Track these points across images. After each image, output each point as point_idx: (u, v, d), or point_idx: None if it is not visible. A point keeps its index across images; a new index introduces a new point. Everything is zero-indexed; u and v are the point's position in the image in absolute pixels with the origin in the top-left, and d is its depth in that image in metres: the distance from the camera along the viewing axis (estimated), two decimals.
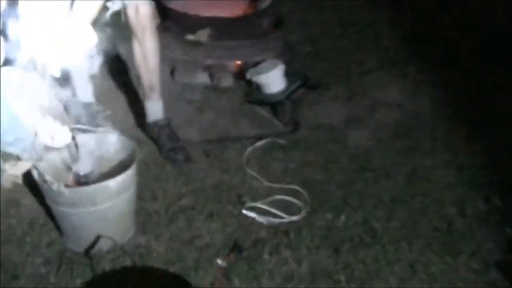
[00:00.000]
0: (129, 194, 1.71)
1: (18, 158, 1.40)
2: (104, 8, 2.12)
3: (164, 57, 2.63)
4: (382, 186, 2.09)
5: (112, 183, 1.62)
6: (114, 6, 2.20)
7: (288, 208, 1.96)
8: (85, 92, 2.35)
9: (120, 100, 2.49)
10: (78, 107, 2.31)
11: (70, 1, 1.91)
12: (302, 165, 2.19)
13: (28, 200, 1.89)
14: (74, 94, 2.32)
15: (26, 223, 1.81)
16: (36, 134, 1.38)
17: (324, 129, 2.41)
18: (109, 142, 1.81)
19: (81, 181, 1.71)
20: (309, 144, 2.32)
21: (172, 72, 2.71)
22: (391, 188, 2.08)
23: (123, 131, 2.26)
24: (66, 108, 2.22)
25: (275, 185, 2.06)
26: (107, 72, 2.58)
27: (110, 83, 2.59)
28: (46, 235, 1.78)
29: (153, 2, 2.21)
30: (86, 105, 2.34)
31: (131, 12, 2.14)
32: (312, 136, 2.37)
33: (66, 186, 1.64)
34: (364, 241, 1.84)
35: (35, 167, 1.54)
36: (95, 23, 2.00)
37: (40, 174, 1.57)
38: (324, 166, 2.19)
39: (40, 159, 1.41)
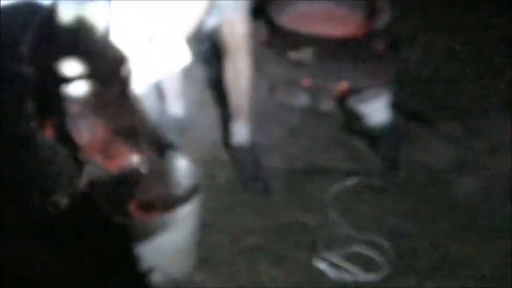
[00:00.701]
0: (188, 228, 1.59)
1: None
2: (201, 23, 2.04)
3: (264, 74, 2.53)
4: (485, 253, 1.78)
5: (168, 217, 1.51)
6: (210, 21, 2.11)
7: (367, 264, 1.73)
8: (176, 107, 2.29)
9: (212, 116, 2.39)
10: (168, 122, 2.26)
11: (165, 16, 1.86)
12: (393, 212, 1.95)
13: None
14: (164, 108, 2.27)
15: None
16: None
17: (427, 173, 2.13)
18: (178, 168, 1.70)
19: (143, 208, 1.62)
20: (406, 188, 2.05)
21: (271, 90, 2.56)
22: (496, 257, 1.77)
23: (207, 150, 2.18)
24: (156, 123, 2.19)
25: (357, 234, 1.83)
26: (204, 84, 2.50)
27: (205, 97, 2.51)
28: None
29: (250, 20, 2.08)
30: (176, 120, 2.28)
31: (226, 29, 2.04)
32: (411, 179, 2.10)
33: (126, 212, 1.56)
34: None
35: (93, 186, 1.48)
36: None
37: (95, 197, 1.50)
38: (419, 218, 1.92)
39: (69, 195, 1.32)
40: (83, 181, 1.31)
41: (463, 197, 2.01)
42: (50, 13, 1.29)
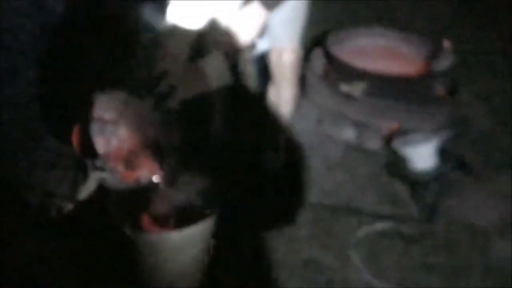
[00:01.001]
0: (196, 249, 1.57)
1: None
2: (251, 47, 2.05)
3: (315, 104, 2.49)
4: None
5: (175, 236, 1.50)
6: (261, 45, 2.11)
7: None
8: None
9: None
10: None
11: None
12: (420, 266, 1.83)
13: None
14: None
15: None
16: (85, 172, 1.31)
17: (466, 228, 1.99)
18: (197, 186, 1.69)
19: (157, 222, 1.62)
20: (441, 242, 1.93)
21: (319, 121, 2.52)
22: None
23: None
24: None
25: (376, 283, 1.74)
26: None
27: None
28: None
29: (300, 51, 2.07)
30: None
31: (274, 56, 2.04)
32: (448, 233, 1.97)
33: (138, 224, 1.57)
34: None
35: (107, 195, 1.49)
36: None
37: (108, 206, 1.51)
38: (447, 275, 1.80)
39: (72, 200, 1.34)
40: (89, 187, 1.33)
41: (502, 260, 1.87)
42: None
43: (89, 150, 1.46)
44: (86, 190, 1.32)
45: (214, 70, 1.85)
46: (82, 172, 1.31)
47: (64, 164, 1.29)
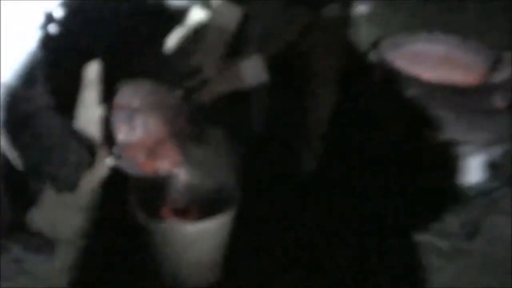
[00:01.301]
0: (213, 243, 1.56)
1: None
2: None
3: None
4: None
5: (191, 228, 1.50)
6: None
7: None
8: None
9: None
10: None
11: None
12: (453, 281, 1.72)
13: None
14: None
15: None
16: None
17: (509, 249, 1.85)
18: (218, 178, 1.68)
19: (177, 213, 1.63)
20: (478, 261, 1.81)
21: None
22: None
23: None
24: None
25: None
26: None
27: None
28: None
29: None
30: None
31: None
32: (489, 252, 1.84)
33: (158, 216, 1.59)
34: None
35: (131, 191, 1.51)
36: None
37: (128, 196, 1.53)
38: None
39: (72, 188, 1.34)
40: (99, 173, 1.35)
41: None
42: None
43: (111, 137, 1.49)
44: (95, 175, 1.34)
45: (250, 68, 1.85)
46: (88, 156, 1.33)
47: (67, 148, 1.30)
